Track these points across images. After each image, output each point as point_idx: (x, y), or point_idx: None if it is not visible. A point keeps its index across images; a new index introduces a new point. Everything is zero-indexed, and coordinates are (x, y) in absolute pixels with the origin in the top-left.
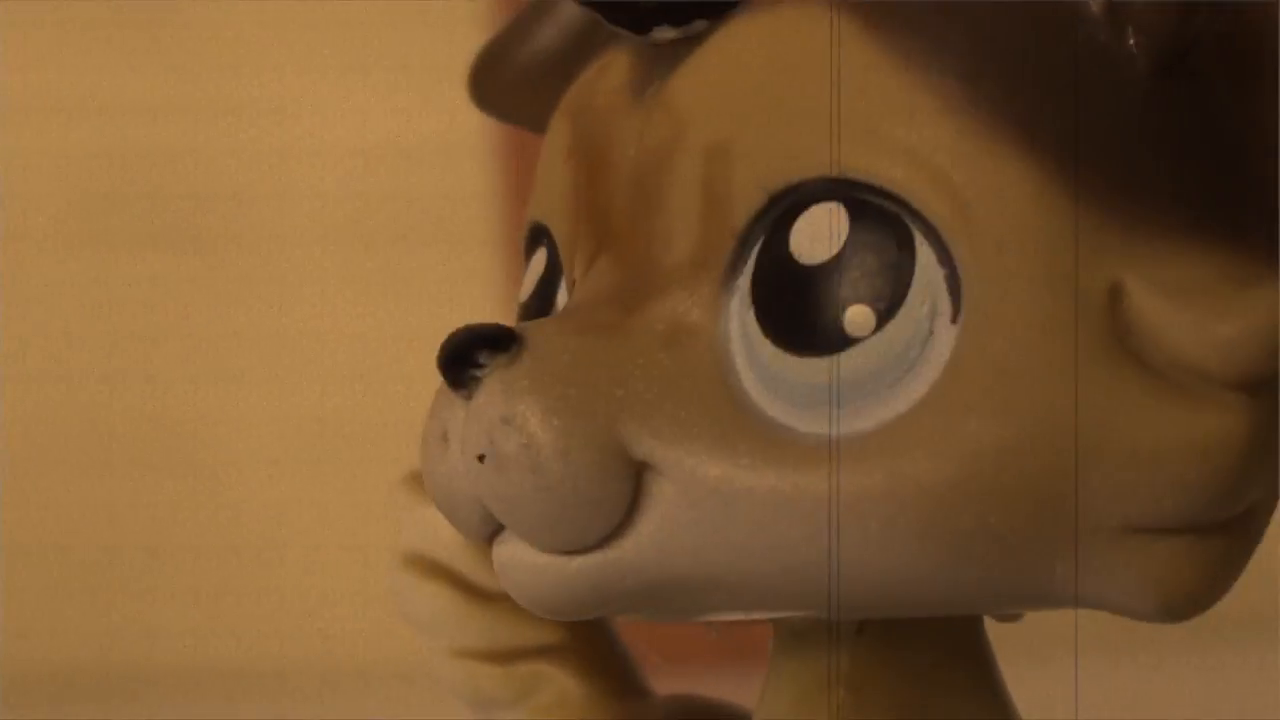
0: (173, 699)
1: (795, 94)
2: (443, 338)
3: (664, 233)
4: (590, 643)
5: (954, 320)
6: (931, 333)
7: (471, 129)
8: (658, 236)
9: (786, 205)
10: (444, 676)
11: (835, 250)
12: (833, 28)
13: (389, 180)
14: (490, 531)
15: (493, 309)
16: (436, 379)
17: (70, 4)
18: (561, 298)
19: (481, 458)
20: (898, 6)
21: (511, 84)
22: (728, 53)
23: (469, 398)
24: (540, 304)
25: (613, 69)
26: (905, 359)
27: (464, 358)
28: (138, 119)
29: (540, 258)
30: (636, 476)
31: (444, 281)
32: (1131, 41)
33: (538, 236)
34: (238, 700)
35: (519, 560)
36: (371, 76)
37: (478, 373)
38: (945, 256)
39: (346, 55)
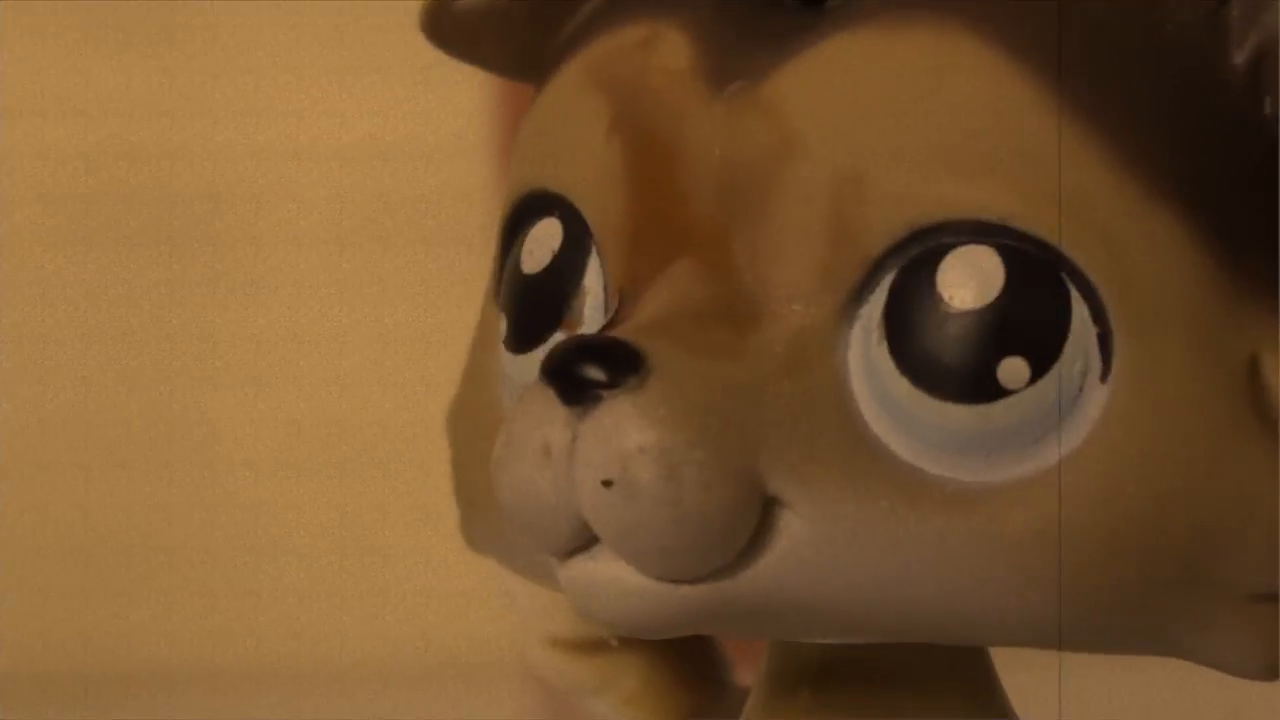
0: (174, 699)
1: (940, 125)
2: (433, 336)
3: (773, 249)
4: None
5: (1103, 379)
6: (1081, 390)
7: (461, 129)
8: (765, 252)
9: (930, 243)
10: (535, 664)
11: (991, 298)
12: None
13: (380, 180)
14: (572, 547)
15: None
16: (442, 378)
17: (65, 4)
18: (591, 277)
19: (608, 483)
20: (1055, 52)
21: (473, 19)
22: (850, 68)
23: (581, 415)
24: (559, 280)
25: (664, 46)
26: (1054, 414)
27: (575, 370)
28: (127, 119)
29: (551, 230)
30: (764, 510)
31: (435, 281)
32: (1268, 110)
33: (545, 205)
34: (239, 700)
35: (616, 582)
36: (361, 77)
37: (601, 390)
38: (1100, 315)
39: (337, 56)
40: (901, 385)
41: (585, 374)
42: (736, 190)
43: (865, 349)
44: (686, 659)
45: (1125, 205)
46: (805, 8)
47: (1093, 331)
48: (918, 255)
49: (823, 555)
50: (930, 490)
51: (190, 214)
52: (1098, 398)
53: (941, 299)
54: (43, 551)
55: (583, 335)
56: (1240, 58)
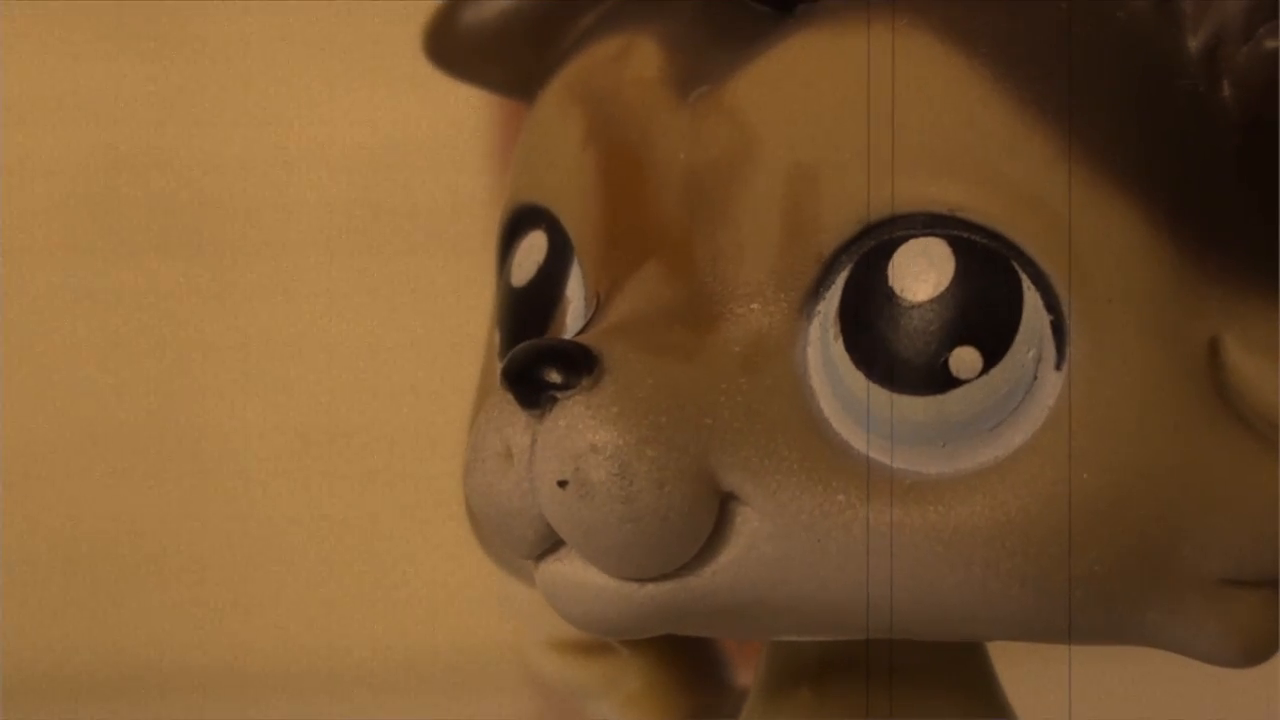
0: (175, 703)
1: (888, 122)
2: (430, 343)
3: (733, 249)
4: (675, 635)
5: (1058, 367)
6: (1035, 378)
7: (473, 134)
8: (725, 252)
9: (882, 237)
10: (536, 666)
11: (942, 289)
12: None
13: (390, 185)
14: (540, 550)
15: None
16: (437, 384)
17: (69, 5)
18: (573, 287)
19: (563, 483)
20: (1007, 42)
21: (474, 41)
22: (805, 68)
23: (540, 417)
24: (543, 292)
25: (635, 56)
26: (1009, 403)
27: (532, 374)
28: (125, 124)
29: (538, 243)
30: (721, 506)
31: (446, 287)
32: (1226, 93)
33: (532, 219)
34: (241, 704)
35: (580, 581)
36: (373, 80)
37: (556, 393)
38: (1052, 303)
39: (336, 62)
40: (857, 379)
41: (540, 376)
42: (700, 193)
43: (823, 345)
44: (687, 660)
45: (1077, 194)
46: (774, 13)
47: (1046, 319)
48: (870, 250)
49: (781, 550)
50: (886, 484)
51: (189, 220)
52: (1052, 386)
53: (893, 292)
54: (44, 556)
55: (538, 340)
56: (1195, 43)
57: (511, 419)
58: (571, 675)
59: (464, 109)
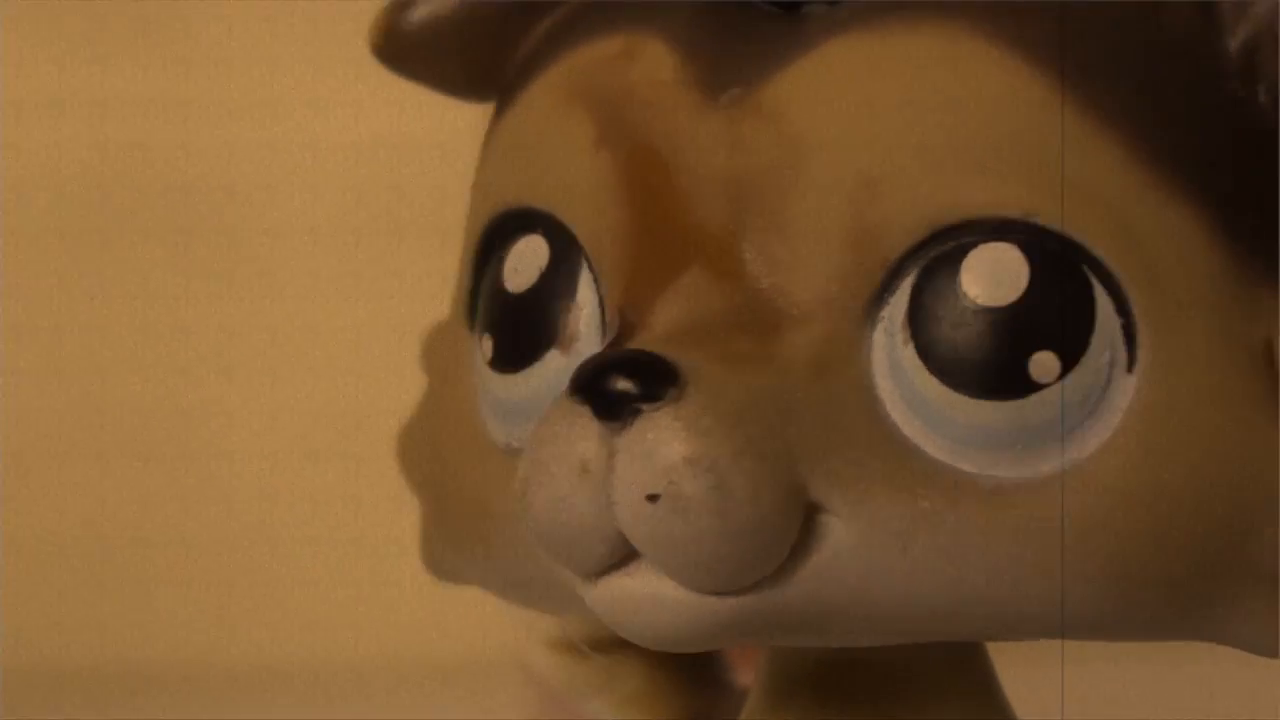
0: (180, 694)
1: (954, 125)
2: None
3: (789, 256)
4: None
5: (1129, 370)
6: (1109, 381)
7: (464, 124)
8: (780, 259)
9: (951, 242)
10: (536, 665)
11: (1019, 294)
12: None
13: (382, 175)
14: (606, 566)
15: None
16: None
17: (69, 5)
18: (583, 293)
19: (653, 498)
20: (1063, 48)
21: (427, 39)
22: (856, 72)
23: (619, 430)
24: (547, 298)
25: (643, 57)
26: (1084, 406)
27: (609, 385)
28: (131, 114)
29: (537, 247)
30: (805, 518)
31: (436, 276)
32: (1262, 97)
33: (526, 223)
34: (244, 696)
35: (653, 596)
36: (365, 71)
37: (640, 405)
38: (1122, 306)
39: (341, 50)
40: (932, 385)
41: (622, 388)
42: (744, 198)
43: (890, 351)
44: (686, 660)
45: (1141, 196)
46: (782, 17)
47: (1117, 323)
48: (939, 255)
49: (866, 560)
50: (968, 489)
51: (201, 208)
52: (1125, 389)
53: (967, 297)
54: (54, 544)
55: (613, 351)
56: (1234, 47)
57: (585, 432)
58: (571, 675)
59: (456, 106)
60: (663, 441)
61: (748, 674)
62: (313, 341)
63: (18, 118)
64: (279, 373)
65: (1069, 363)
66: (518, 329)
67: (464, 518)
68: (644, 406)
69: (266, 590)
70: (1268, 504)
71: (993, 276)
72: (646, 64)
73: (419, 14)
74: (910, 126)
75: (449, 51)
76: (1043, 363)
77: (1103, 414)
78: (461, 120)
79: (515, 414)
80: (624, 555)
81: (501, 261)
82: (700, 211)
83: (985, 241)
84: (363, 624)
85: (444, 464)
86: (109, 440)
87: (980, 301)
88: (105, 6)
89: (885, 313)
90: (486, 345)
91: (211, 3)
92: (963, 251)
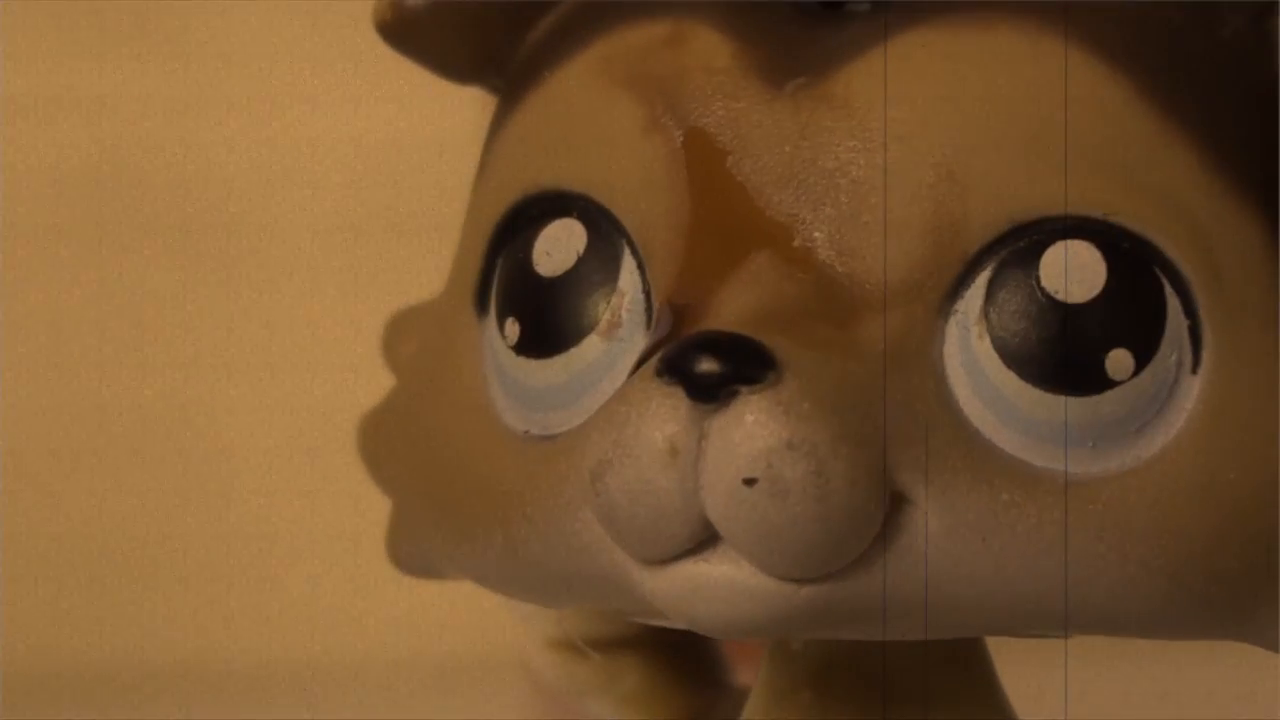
0: (180, 694)
1: (1034, 121)
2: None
3: (864, 246)
4: (674, 635)
5: (1194, 370)
6: (1176, 381)
7: (465, 121)
8: (854, 249)
9: (1030, 238)
10: (535, 664)
11: (1098, 291)
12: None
13: (381, 172)
14: (681, 551)
15: None
16: None
17: (69, 5)
18: (627, 279)
19: (750, 481)
20: (1139, 52)
21: (434, 16)
22: (933, 66)
23: (712, 412)
24: (585, 282)
25: (697, 44)
26: (1153, 405)
27: (704, 368)
28: (130, 112)
29: (572, 231)
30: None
31: (435, 273)
32: None
33: (558, 206)
34: (243, 696)
35: (731, 582)
36: (365, 68)
37: (740, 386)
38: (1190, 307)
39: (340, 47)
40: (1008, 379)
41: (720, 370)
42: (814, 186)
43: (963, 344)
44: (686, 659)
45: (1209, 200)
46: (822, 14)
47: (1184, 324)
48: (1017, 250)
49: (944, 550)
50: (1044, 483)
51: (200, 206)
52: (1189, 389)
53: (1047, 293)
54: (54, 544)
55: (705, 331)
56: None
57: (673, 414)
58: (570, 674)
59: (455, 96)
60: (761, 424)
61: (748, 674)
62: (311, 339)
63: (16, 116)
64: (278, 370)
65: (1142, 361)
66: (552, 314)
67: (474, 508)
68: (742, 389)
69: (266, 589)
70: None
71: (1072, 273)
72: (698, 50)
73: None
74: (991, 122)
75: (457, 30)
76: (1119, 360)
77: (1168, 414)
78: (460, 117)
79: (543, 400)
80: (702, 540)
81: (529, 245)
82: (766, 199)
83: (1063, 239)
84: (362, 623)
85: (441, 453)
86: (108, 439)
87: (1060, 298)
88: (104, 5)
89: (959, 305)
90: (511, 330)
91: (213, 7)
92: (1040, 247)
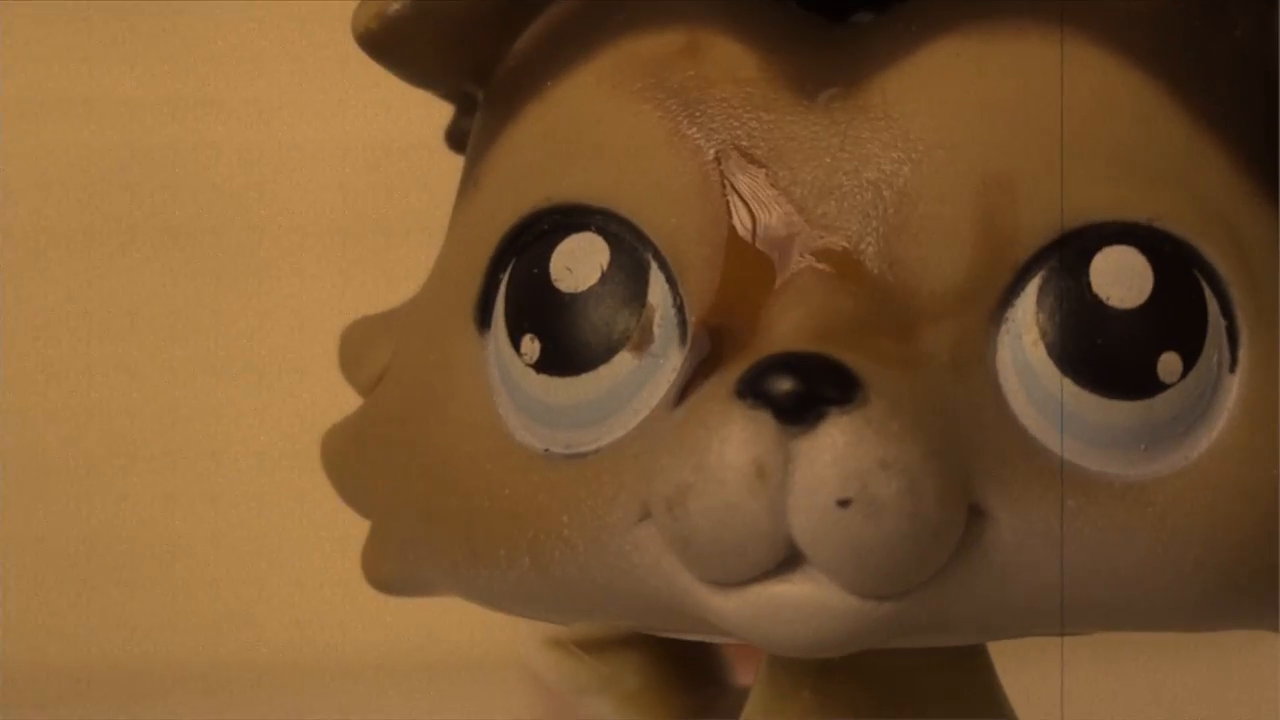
0: (176, 695)
1: (1076, 129)
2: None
3: (915, 258)
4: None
5: (1231, 370)
6: (1217, 381)
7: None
8: (905, 261)
9: (1078, 245)
10: (535, 664)
11: (1147, 296)
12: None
13: (372, 175)
14: (759, 572)
15: None
16: None
17: (69, 5)
18: (657, 294)
19: (844, 502)
20: (1170, 57)
21: (416, 25)
22: (966, 75)
23: (796, 435)
24: (611, 299)
25: (717, 54)
26: (1199, 406)
27: (792, 390)
28: (122, 115)
29: (592, 245)
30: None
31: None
32: None
33: (574, 220)
34: (240, 696)
35: (813, 601)
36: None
37: (830, 408)
38: (1227, 308)
39: (331, 52)
40: (1065, 386)
41: (807, 391)
42: (856, 197)
43: (1016, 351)
44: (686, 659)
45: (1243, 202)
46: (843, 19)
47: (1222, 325)
48: (1065, 257)
49: (1016, 559)
50: (1103, 487)
51: (191, 209)
52: (1228, 389)
53: (1099, 299)
54: (44, 545)
55: (784, 351)
56: None
57: (758, 436)
58: (570, 673)
59: (446, 105)
60: (854, 445)
61: (748, 674)
62: (302, 341)
63: (8, 119)
64: (267, 373)
65: (1189, 363)
66: (577, 331)
67: (492, 528)
68: (830, 410)
69: (262, 590)
70: None
71: (1122, 279)
72: (719, 60)
73: (416, 5)
74: (1033, 129)
75: (439, 38)
76: (1168, 363)
77: (1211, 413)
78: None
79: (566, 417)
80: (783, 561)
81: (543, 260)
82: (808, 211)
83: (1110, 245)
84: (361, 624)
85: (442, 471)
86: (99, 440)
87: (1111, 303)
88: (97, 8)
89: (1010, 314)
90: (530, 347)
91: (203, 5)
92: (1089, 254)
